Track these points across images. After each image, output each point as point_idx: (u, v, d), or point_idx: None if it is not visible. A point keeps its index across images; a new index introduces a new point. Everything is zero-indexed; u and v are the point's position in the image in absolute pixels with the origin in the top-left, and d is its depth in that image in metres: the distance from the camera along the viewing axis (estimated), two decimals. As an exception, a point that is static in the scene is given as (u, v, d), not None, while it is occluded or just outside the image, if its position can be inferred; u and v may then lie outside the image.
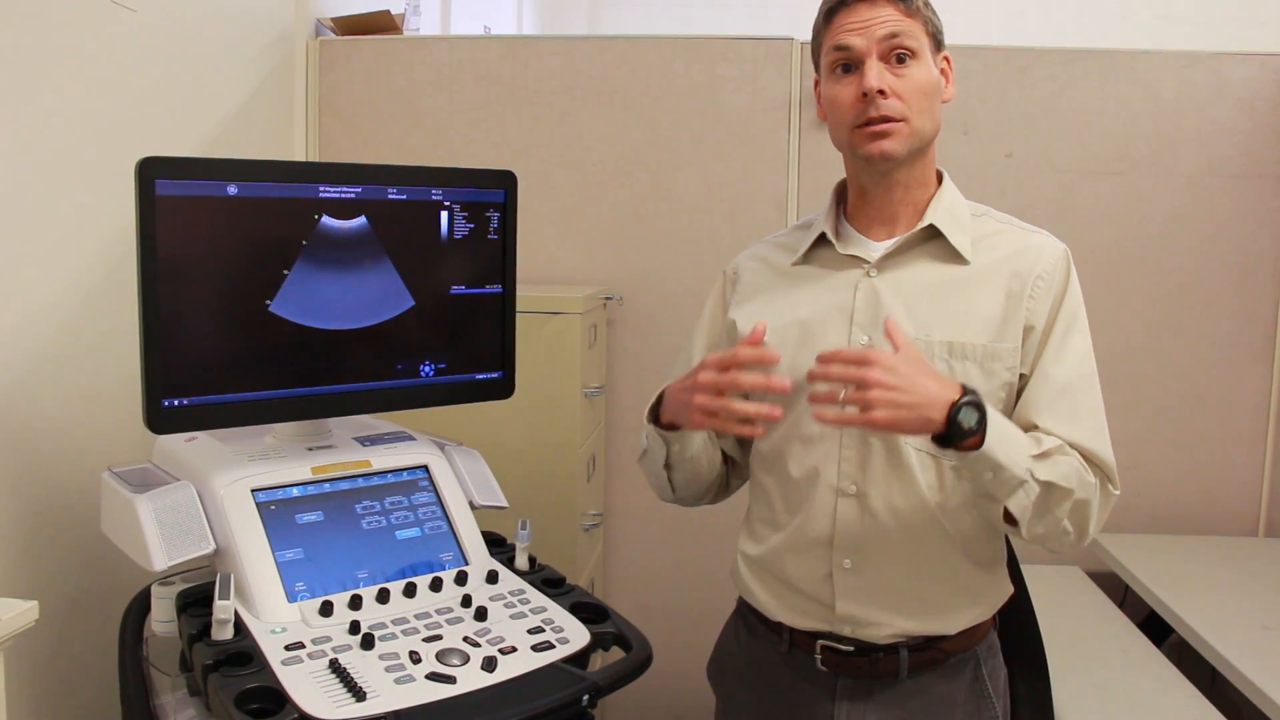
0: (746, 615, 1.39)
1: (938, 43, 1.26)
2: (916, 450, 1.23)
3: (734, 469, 1.43)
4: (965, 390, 1.10)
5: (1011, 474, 1.12)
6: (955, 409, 1.08)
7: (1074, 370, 1.23)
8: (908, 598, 1.25)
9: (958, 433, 1.09)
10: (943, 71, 1.27)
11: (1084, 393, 1.23)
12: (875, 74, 1.20)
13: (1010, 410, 1.24)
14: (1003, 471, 1.12)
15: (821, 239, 1.32)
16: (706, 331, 1.43)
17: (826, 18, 1.25)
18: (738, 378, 1.14)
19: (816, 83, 1.31)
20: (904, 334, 1.13)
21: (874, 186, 1.28)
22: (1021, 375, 1.24)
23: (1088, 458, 1.21)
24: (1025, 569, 1.45)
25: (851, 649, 1.27)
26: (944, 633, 1.26)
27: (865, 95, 1.20)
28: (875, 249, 1.29)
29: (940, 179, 1.31)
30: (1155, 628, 2.13)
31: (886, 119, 1.20)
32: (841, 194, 1.36)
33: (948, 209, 1.28)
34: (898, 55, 1.21)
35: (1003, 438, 1.12)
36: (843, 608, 1.25)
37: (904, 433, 1.16)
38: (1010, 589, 1.34)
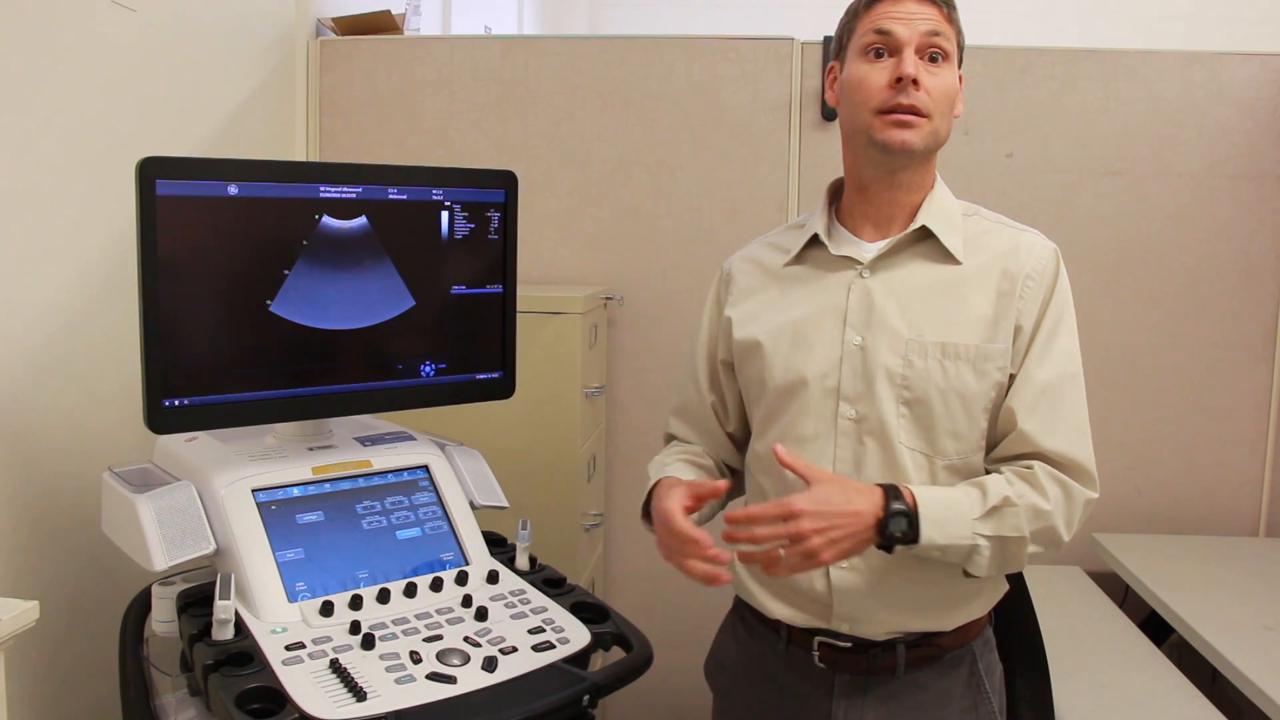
0: (744, 613, 1.40)
1: (960, 57, 1.27)
2: (909, 450, 1.23)
3: (738, 477, 1.44)
4: (887, 496, 1.14)
5: (958, 547, 1.16)
6: (884, 524, 1.13)
7: (1056, 371, 1.23)
8: (904, 595, 1.25)
9: (893, 541, 1.14)
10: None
11: (1065, 394, 1.23)
12: (913, 63, 1.20)
13: (999, 408, 1.25)
14: (949, 548, 1.16)
15: (815, 239, 1.32)
16: (706, 332, 1.43)
17: (869, 2, 1.25)
18: (685, 562, 1.18)
19: (831, 69, 1.31)
20: (803, 463, 1.17)
21: (876, 183, 1.28)
22: (1012, 375, 1.24)
23: (1063, 465, 1.21)
24: (1025, 569, 1.45)
25: (849, 645, 1.27)
26: (941, 629, 1.27)
27: (899, 81, 1.20)
28: (868, 250, 1.29)
29: (933, 180, 1.31)
30: (1155, 628, 2.13)
31: (915, 110, 1.21)
32: (835, 194, 1.36)
33: (940, 210, 1.28)
34: (932, 54, 1.22)
35: (940, 520, 1.15)
36: (840, 606, 1.26)
37: (850, 557, 1.19)
38: (1005, 585, 1.35)
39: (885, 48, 1.22)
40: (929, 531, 1.14)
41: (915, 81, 1.20)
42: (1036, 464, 1.20)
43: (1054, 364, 1.23)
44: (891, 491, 1.15)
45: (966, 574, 1.21)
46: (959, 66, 1.27)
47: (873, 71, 1.23)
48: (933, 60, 1.22)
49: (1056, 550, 1.23)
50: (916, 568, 1.24)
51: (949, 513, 1.16)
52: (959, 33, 1.25)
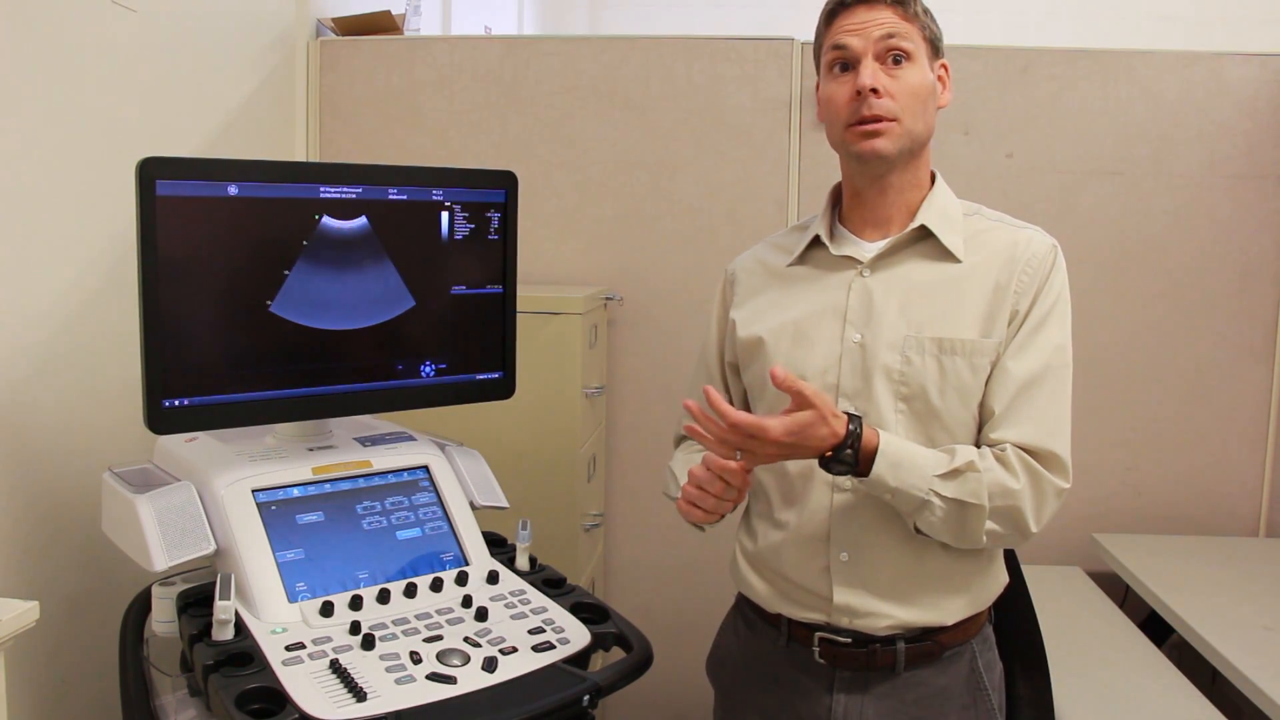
0: (745, 609, 1.41)
1: (935, 49, 1.28)
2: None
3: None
4: (844, 441, 1.15)
5: (910, 496, 1.17)
6: (826, 463, 1.17)
7: (1038, 364, 1.23)
8: (903, 588, 1.26)
9: (832, 469, 1.17)
10: (940, 78, 1.29)
11: (1045, 386, 1.23)
12: (870, 73, 1.22)
13: None
14: (900, 494, 1.18)
15: (816, 240, 1.34)
16: (715, 335, 1.46)
17: (827, 20, 1.29)
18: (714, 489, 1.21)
19: (818, 85, 1.33)
20: (796, 383, 1.13)
21: (867, 188, 1.30)
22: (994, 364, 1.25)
23: (1035, 453, 1.21)
24: (1025, 569, 1.45)
25: (849, 641, 1.28)
26: (940, 623, 1.27)
27: (859, 93, 1.23)
28: (868, 249, 1.31)
29: (933, 180, 1.32)
30: (1155, 628, 2.13)
31: (879, 118, 1.23)
32: (837, 196, 1.38)
33: (939, 209, 1.29)
34: (894, 57, 1.24)
35: (897, 463, 1.17)
36: (840, 599, 1.27)
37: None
38: (1004, 580, 1.35)
39: (846, 61, 1.25)
40: (881, 469, 1.16)
41: (875, 90, 1.22)
42: (1010, 446, 1.21)
43: (1036, 356, 1.23)
44: (852, 438, 1.15)
45: (917, 530, 1.22)
46: (937, 57, 1.28)
47: (838, 87, 1.26)
48: (896, 63, 1.24)
49: (1022, 539, 1.22)
50: (911, 550, 1.25)
51: (908, 460, 1.18)
52: (925, 26, 1.26)
